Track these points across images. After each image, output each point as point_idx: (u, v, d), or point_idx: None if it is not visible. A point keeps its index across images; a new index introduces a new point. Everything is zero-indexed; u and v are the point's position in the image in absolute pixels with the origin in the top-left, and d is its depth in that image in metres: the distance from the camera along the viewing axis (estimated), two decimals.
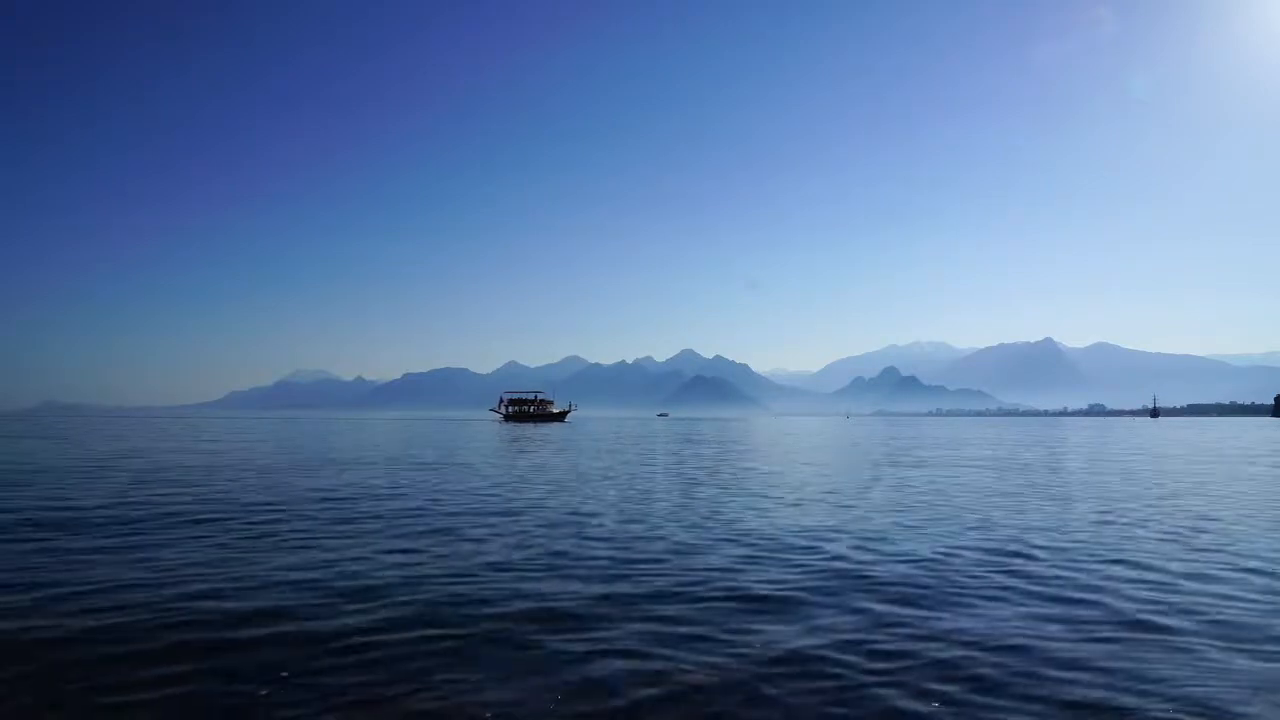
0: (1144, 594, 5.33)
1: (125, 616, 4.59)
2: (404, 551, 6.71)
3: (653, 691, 3.52)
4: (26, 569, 5.93)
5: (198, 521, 8.39)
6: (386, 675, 3.69)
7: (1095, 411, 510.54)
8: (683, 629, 4.45)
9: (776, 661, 3.91)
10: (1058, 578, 5.80)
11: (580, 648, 4.10)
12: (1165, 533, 7.97)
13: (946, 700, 3.43)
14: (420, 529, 7.96)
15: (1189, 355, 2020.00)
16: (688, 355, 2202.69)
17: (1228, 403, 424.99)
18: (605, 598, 5.14)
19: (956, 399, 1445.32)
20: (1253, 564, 6.37)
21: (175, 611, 4.70)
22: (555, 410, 79.10)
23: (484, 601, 5.00)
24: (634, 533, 7.80)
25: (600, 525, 8.27)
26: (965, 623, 4.57)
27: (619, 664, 3.86)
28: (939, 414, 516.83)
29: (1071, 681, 3.65)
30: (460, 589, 5.33)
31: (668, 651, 4.05)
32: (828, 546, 6.98)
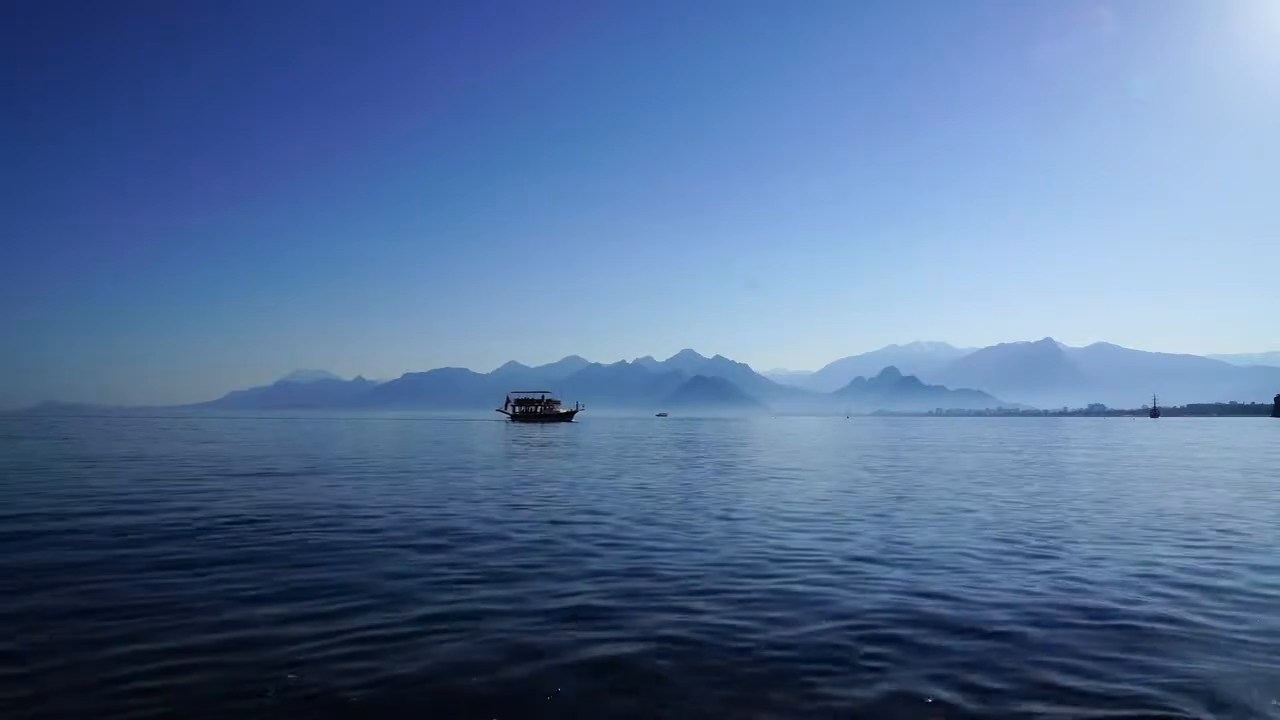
0: None
1: None
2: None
3: None
4: None
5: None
6: None
7: (1095, 411, 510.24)
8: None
9: None
10: None
11: None
12: None
13: None
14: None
15: (1189, 355, 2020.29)
16: (688, 355, 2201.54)
17: (1228, 403, 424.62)
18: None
19: (956, 399, 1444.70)
20: None
21: None
22: (562, 410, 78.44)
23: None
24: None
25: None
26: None
27: None
28: (939, 414, 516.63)
29: None
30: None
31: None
32: None
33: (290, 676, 3.62)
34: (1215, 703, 3.41)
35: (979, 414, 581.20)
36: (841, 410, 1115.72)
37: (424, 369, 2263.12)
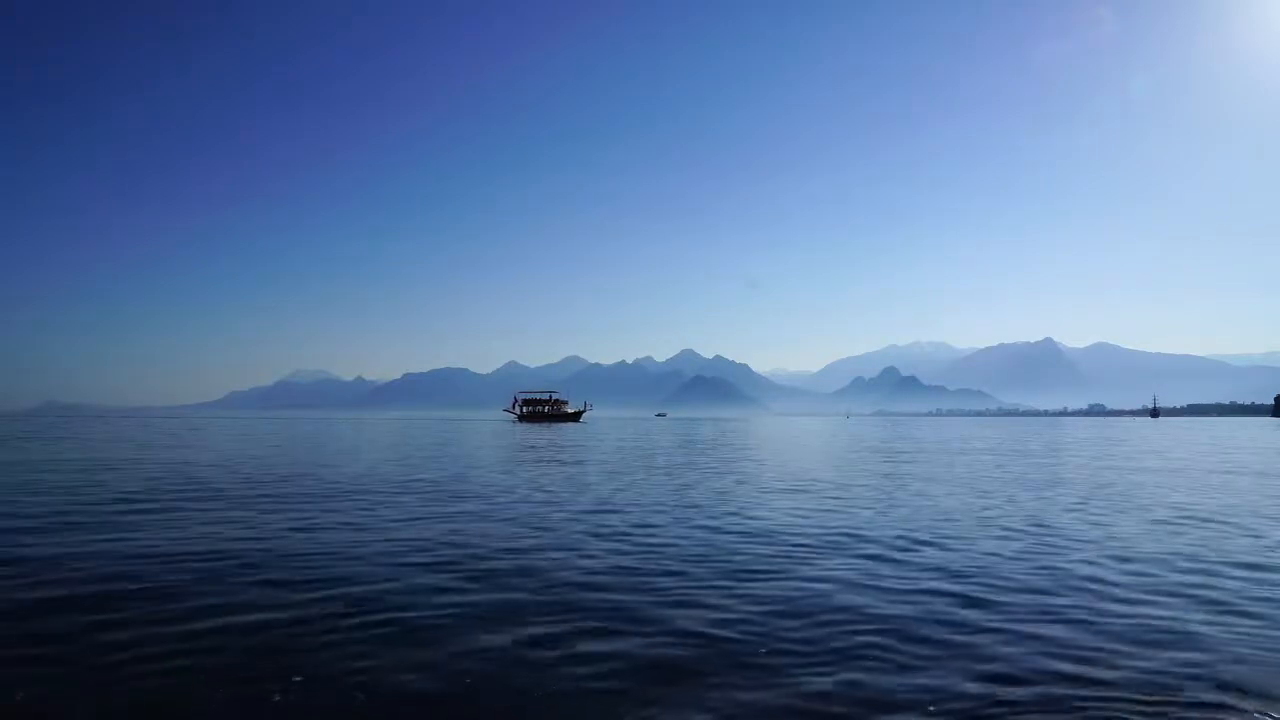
0: None
1: None
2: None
3: None
4: None
5: None
6: None
7: (1095, 411, 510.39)
8: None
9: None
10: None
11: None
12: None
13: None
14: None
15: (1189, 355, 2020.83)
16: (688, 355, 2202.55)
17: (1228, 403, 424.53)
18: None
19: (956, 399, 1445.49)
20: None
21: None
22: (570, 410, 77.55)
23: None
24: None
25: None
26: None
27: None
28: (939, 414, 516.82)
29: None
30: None
31: None
32: None
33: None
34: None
35: (979, 414, 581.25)
36: (841, 410, 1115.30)
37: (424, 369, 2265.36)
